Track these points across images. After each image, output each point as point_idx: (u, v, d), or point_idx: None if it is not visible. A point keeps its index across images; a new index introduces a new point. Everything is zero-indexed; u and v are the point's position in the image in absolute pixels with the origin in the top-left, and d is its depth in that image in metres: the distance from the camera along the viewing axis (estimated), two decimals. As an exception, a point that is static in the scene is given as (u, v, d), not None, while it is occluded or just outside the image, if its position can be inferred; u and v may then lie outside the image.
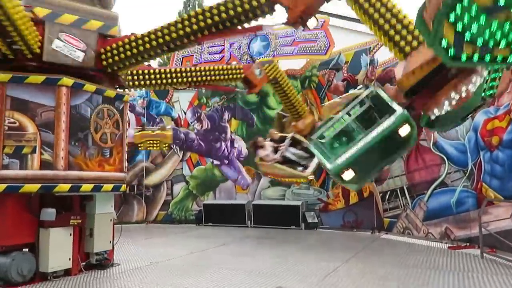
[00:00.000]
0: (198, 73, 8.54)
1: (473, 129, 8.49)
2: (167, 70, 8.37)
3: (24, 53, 5.80)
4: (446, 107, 4.85)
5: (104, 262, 6.87)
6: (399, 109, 5.76)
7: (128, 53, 6.25)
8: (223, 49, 14.53)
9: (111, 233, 7.10)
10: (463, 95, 4.67)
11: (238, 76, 9.12)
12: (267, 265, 7.19)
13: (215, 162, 14.71)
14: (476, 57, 2.96)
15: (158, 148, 13.02)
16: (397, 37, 5.24)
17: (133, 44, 6.20)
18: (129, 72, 7.55)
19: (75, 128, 6.14)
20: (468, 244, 8.46)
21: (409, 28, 5.27)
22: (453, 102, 4.78)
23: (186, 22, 5.89)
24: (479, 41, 2.87)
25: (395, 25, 5.31)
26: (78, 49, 6.19)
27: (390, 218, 11.05)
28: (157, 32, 6.12)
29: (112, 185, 6.67)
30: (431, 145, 9.65)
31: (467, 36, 2.86)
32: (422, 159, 9.96)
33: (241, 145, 14.57)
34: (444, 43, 2.99)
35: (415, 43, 5.17)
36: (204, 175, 14.77)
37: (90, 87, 6.39)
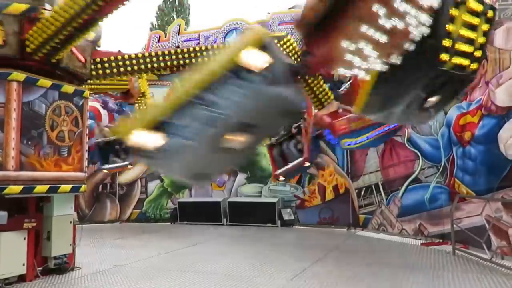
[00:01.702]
0: (181, 56, 7.67)
1: (446, 125, 8.40)
2: (141, 54, 7.52)
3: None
4: (368, 57, 2.95)
5: (63, 266, 6.53)
6: None
7: (45, 34, 5.64)
8: (198, 43, 14.18)
9: (72, 236, 6.75)
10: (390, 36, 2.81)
11: None
12: (237, 266, 6.96)
13: (191, 159, 14.38)
14: None
15: None
16: None
17: (47, 23, 5.55)
18: (92, 60, 7.05)
19: (28, 126, 5.76)
20: (441, 240, 8.40)
21: None
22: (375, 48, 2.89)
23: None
24: None
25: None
26: None
27: (365, 214, 10.95)
28: (64, 6, 5.55)
29: (71, 185, 6.31)
30: (405, 141, 9.55)
31: None
32: (397, 155, 9.86)
33: (217, 142, 14.26)
34: None
35: None
36: (179, 172, 14.43)
37: (45, 82, 6.02)
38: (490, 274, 5.93)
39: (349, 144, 7.33)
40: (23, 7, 5.88)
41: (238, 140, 3.62)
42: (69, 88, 6.40)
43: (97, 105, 13.94)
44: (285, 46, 8.37)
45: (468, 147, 7.65)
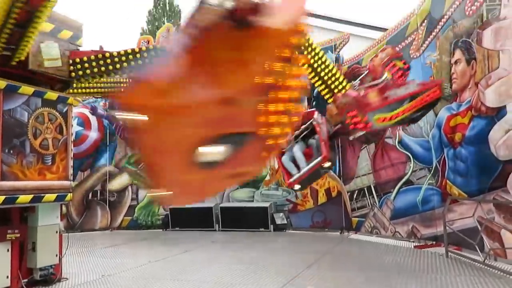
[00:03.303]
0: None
1: (436, 126, 8.35)
2: (123, 51, 7.07)
3: None
4: None
5: (49, 278, 6.37)
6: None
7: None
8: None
9: (58, 246, 6.59)
10: None
11: None
12: (228, 273, 6.84)
13: (182, 164, 14.25)
14: None
15: None
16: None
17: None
18: (70, 61, 6.68)
19: (9, 134, 5.61)
20: (434, 242, 8.33)
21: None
22: None
23: None
24: None
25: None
26: None
27: (358, 217, 10.87)
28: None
29: (56, 194, 6.17)
30: (396, 143, 9.50)
31: None
32: (388, 157, 9.80)
33: (209, 146, 14.14)
34: None
35: None
36: (171, 178, 14.28)
37: (27, 89, 5.88)
38: (483, 276, 5.87)
39: (383, 121, 6.29)
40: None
41: None
42: (52, 95, 6.27)
43: (86, 112, 13.78)
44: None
45: (459, 148, 7.61)
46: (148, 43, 14.22)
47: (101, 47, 7.46)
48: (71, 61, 6.20)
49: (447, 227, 7.28)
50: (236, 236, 11.60)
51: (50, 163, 6.16)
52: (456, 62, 7.69)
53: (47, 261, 6.35)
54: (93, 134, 13.96)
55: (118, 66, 7.06)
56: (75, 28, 6.77)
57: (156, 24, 27.17)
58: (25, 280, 6.09)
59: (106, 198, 13.98)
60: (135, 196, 14.20)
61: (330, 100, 7.53)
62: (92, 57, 6.19)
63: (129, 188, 14.20)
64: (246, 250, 9.24)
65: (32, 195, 5.81)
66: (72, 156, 6.63)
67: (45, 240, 6.33)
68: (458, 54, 7.63)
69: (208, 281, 6.34)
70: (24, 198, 5.71)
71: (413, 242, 8.87)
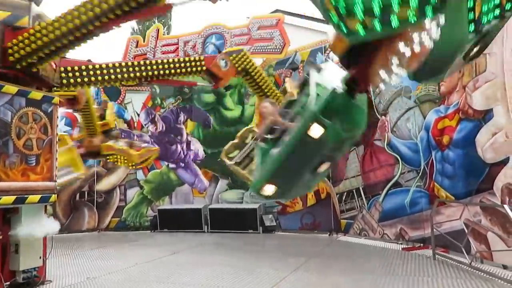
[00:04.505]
0: (150, 67, 7.69)
1: (425, 129, 8.39)
2: (111, 64, 7.48)
3: None
4: (396, 71, 3.49)
5: (32, 280, 6.25)
6: (310, 107, 4.00)
7: (34, 45, 5.54)
8: (177, 47, 13.98)
9: (42, 248, 6.47)
10: (411, 52, 3.02)
11: (199, 69, 8.27)
12: (215, 276, 6.78)
13: (171, 165, 14.18)
14: (377, 26, 2.33)
15: (125, 164, 11.45)
16: None
17: (38, 34, 5.52)
18: (62, 69, 6.87)
19: (-9, 134, 5.51)
20: (421, 244, 8.36)
21: None
22: (402, 64, 3.33)
23: (89, 5, 5.33)
24: (357, 10, 2.29)
25: None
26: None
27: (347, 219, 10.88)
28: (60, 19, 5.47)
29: (39, 195, 6.05)
30: (385, 145, 9.52)
31: (341, 7, 2.31)
32: (377, 159, 9.82)
33: (198, 147, 14.11)
34: (334, 18, 2.38)
35: None
36: (160, 179, 14.21)
37: (10, 88, 5.76)
38: (470, 278, 5.89)
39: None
40: (3, 14, 5.71)
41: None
42: (37, 95, 6.15)
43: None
44: (240, 61, 8.69)
45: (447, 151, 7.65)
46: (137, 43, 14.12)
47: (89, 61, 7.71)
48: (10, 44, 5.78)
49: (434, 230, 7.30)
50: (225, 237, 11.53)
51: (34, 164, 6.03)
52: (444, 65, 7.72)
53: (31, 264, 6.21)
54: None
55: (106, 77, 7.28)
56: (17, 7, 6.13)
57: (147, 24, 27.01)
58: (7, 283, 5.97)
59: (93, 199, 13.83)
60: (123, 197, 14.07)
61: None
62: (26, 34, 5.76)
63: (117, 189, 14.06)
64: (235, 252, 9.18)
65: (15, 196, 5.69)
66: (57, 156, 6.52)
67: (29, 242, 6.20)
68: (446, 57, 7.65)
69: (196, 284, 6.27)
70: (6, 199, 5.58)
71: (401, 244, 8.89)
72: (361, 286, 5.87)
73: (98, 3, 5.28)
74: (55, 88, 6.88)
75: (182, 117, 14.29)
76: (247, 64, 8.83)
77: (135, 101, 14.41)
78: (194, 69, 8.23)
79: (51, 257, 6.89)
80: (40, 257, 6.41)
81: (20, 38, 5.62)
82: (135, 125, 14.32)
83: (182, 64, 8.09)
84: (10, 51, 5.66)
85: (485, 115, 6.65)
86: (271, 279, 6.39)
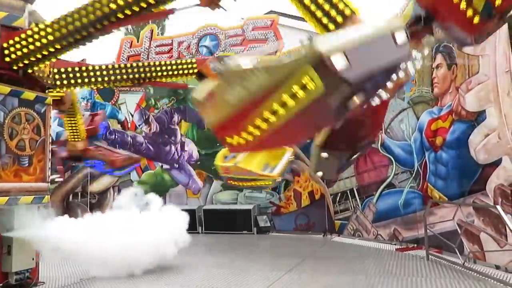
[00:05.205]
0: (142, 69, 7.71)
1: (418, 130, 8.44)
2: (104, 66, 7.47)
3: None
4: None
5: (25, 282, 6.19)
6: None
7: (32, 46, 5.51)
8: (171, 48, 13.95)
9: (35, 249, 6.42)
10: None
11: (191, 71, 8.24)
12: (209, 277, 6.77)
13: (165, 166, 14.12)
14: None
15: None
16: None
17: (36, 36, 5.51)
18: (55, 70, 6.85)
19: (-17, 135, 5.46)
20: (415, 245, 8.40)
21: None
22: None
23: (90, 8, 5.32)
24: None
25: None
26: None
27: (341, 220, 10.91)
28: (60, 21, 5.45)
29: (32, 196, 6.01)
30: (379, 146, 9.56)
31: None
32: (371, 160, 9.86)
33: (192, 148, 14.06)
34: None
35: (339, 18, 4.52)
36: (154, 180, 14.13)
37: (3, 88, 5.70)
38: (463, 279, 5.93)
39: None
40: (0, 15, 5.69)
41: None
42: (30, 95, 6.11)
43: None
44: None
45: (440, 152, 7.69)
46: (131, 43, 14.07)
47: (84, 60, 7.76)
48: (5, 45, 5.77)
49: (428, 230, 7.34)
50: (219, 238, 11.51)
51: (26, 164, 5.99)
52: (437, 67, 7.78)
53: (23, 265, 6.16)
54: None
55: (99, 79, 7.29)
56: (13, 7, 6.16)
57: (141, 24, 26.92)
58: (0, 284, 5.92)
59: (87, 200, 13.73)
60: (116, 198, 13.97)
61: None
62: (23, 35, 5.73)
63: (111, 189, 13.98)
64: (229, 253, 9.17)
65: (7, 197, 5.64)
66: (50, 157, 6.47)
67: (22, 244, 6.13)
68: (439, 58, 7.72)
69: (190, 285, 6.26)
70: (-1, 200, 5.54)
71: (395, 245, 8.93)
72: (355, 287, 5.88)
73: (100, 6, 5.25)
74: (49, 89, 6.85)
75: (176, 118, 14.24)
76: None
77: (129, 102, 14.33)
78: (186, 71, 8.25)
79: (43, 259, 6.84)
80: (33, 259, 6.35)
81: (16, 39, 5.58)
82: (129, 125, 14.25)
83: (174, 67, 8.13)
84: (6, 51, 5.62)
85: (478, 117, 6.69)
86: (266, 279, 6.38)
